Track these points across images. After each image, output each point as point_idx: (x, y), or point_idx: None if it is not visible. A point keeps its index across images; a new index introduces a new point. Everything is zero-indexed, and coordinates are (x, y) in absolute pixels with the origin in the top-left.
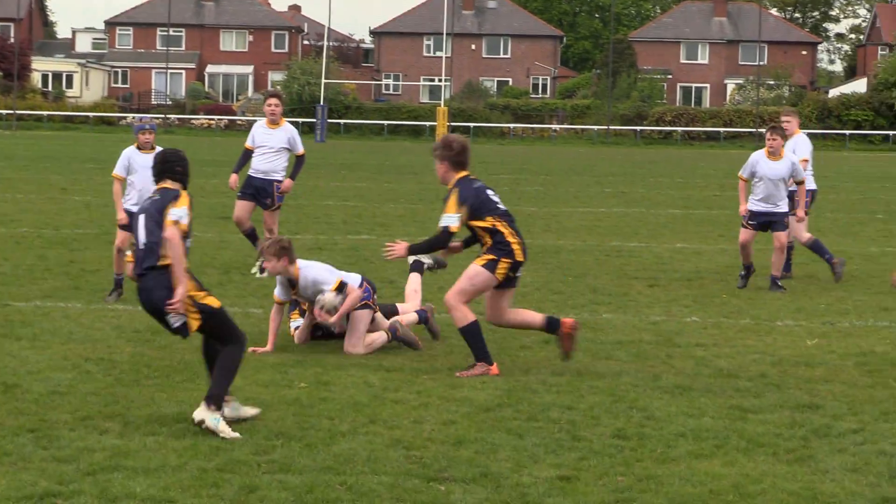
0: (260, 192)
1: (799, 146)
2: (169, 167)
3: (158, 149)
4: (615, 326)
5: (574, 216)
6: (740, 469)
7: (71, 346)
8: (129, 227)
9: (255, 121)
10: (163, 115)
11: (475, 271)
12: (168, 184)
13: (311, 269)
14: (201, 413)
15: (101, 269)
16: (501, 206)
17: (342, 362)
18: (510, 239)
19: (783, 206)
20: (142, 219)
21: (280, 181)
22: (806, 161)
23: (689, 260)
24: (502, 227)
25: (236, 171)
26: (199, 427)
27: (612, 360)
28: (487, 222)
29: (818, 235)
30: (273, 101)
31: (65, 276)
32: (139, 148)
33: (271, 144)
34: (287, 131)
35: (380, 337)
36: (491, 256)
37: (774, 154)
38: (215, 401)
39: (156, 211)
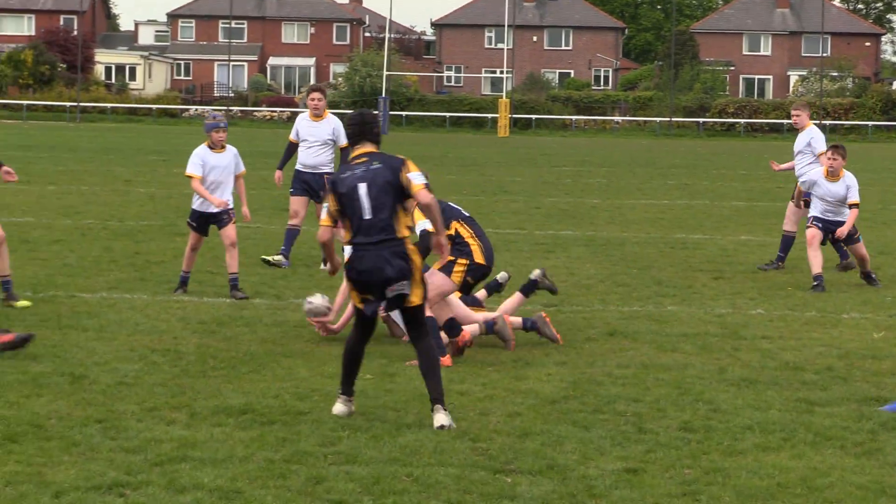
0: (311, 185)
1: (814, 140)
2: (368, 129)
3: (231, 149)
4: (680, 319)
5: (637, 208)
6: (808, 462)
7: (137, 337)
8: (198, 228)
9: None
10: (225, 108)
11: (430, 272)
12: (368, 147)
13: None
14: (442, 419)
15: (166, 260)
16: (465, 213)
17: (407, 354)
18: (470, 241)
19: (844, 217)
20: (364, 189)
21: (330, 173)
22: (823, 154)
23: (753, 252)
24: (463, 230)
25: (281, 167)
26: (442, 430)
27: (678, 352)
28: (451, 228)
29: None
30: (316, 94)
31: (130, 267)
32: (210, 147)
33: (316, 137)
34: (331, 123)
35: (471, 327)
36: (448, 258)
37: (834, 175)
38: (443, 400)
39: (385, 181)
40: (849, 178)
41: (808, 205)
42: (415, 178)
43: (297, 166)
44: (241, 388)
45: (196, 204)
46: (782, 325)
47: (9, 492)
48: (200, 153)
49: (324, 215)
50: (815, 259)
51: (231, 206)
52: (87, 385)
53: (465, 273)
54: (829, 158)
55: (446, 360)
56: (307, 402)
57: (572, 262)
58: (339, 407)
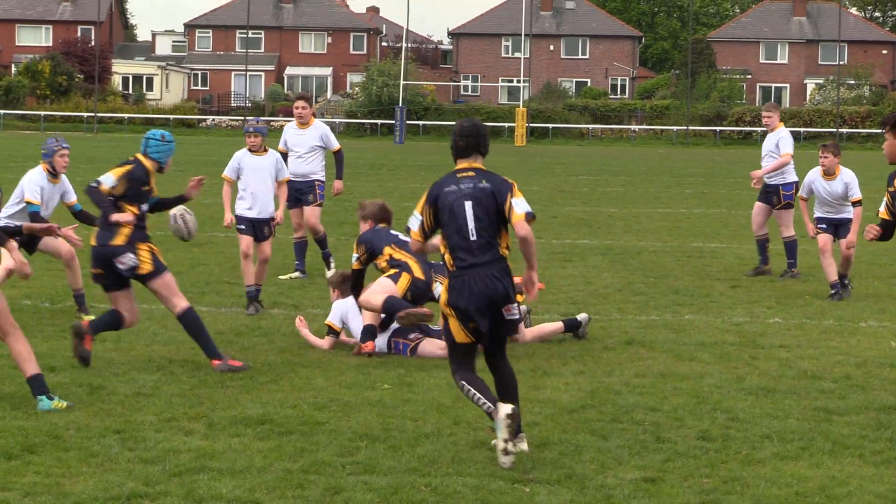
0: (301, 193)
1: (782, 141)
2: (482, 142)
3: (272, 154)
4: (698, 328)
5: (655, 217)
6: (826, 471)
7: (155, 347)
8: (247, 231)
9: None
10: (242, 118)
11: (377, 281)
12: (477, 162)
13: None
14: (522, 445)
15: (183, 270)
16: (401, 237)
17: (425, 364)
18: (407, 259)
19: (848, 213)
20: (471, 207)
21: (322, 180)
22: (789, 155)
23: (771, 261)
24: (396, 253)
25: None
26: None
27: (696, 361)
28: (385, 254)
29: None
30: (300, 102)
31: None
32: (251, 150)
33: (304, 145)
34: (318, 129)
35: (551, 325)
36: (394, 270)
37: (829, 173)
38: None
39: (492, 202)
40: (846, 175)
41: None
42: (518, 205)
43: (289, 176)
44: (259, 399)
45: (241, 209)
46: (800, 333)
47: (27, 502)
48: (238, 155)
49: (416, 227)
50: (830, 267)
51: (273, 217)
52: (105, 395)
53: (408, 288)
54: (820, 157)
55: (369, 346)
56: (325, 412)
57: (589, 270)
58: (501, 408)
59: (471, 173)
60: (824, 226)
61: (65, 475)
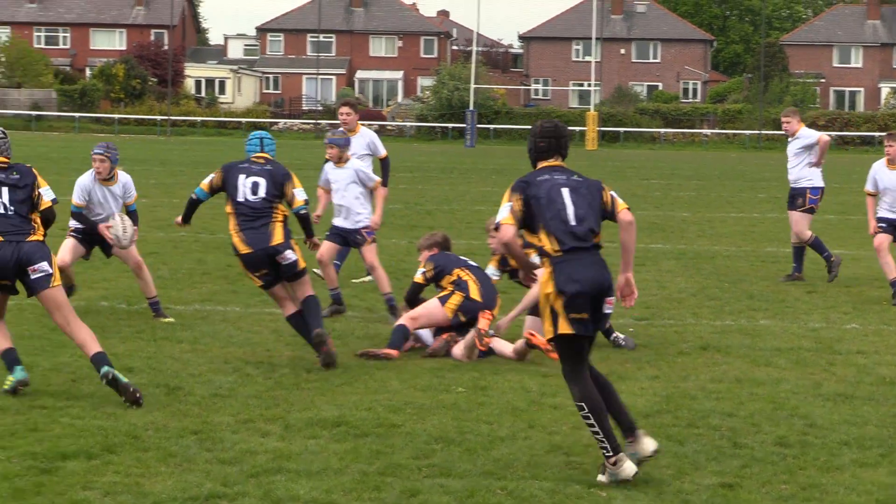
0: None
1: (805, 136)
2: (564, 143)
3: (352, 163)
4: (773, 333)
5: (728, 221)
6: None
7: (231, 349)
8: (332, 239)
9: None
10: (314, 121)
11: (428, 302)
12: (558, 161)
13: None
14: (650, 443)
15: None
16: (471, 262)
17: (498, 367)
18: (467, 279)
19: None
20: (568, 193)
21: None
22: (823, 135)
23: (847, 266)
24: (463, 274)
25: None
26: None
27: (772, 367)
28: (453, 275)
29: None
30: (344, 108)
31: (223, 279)
32: (332, 161)
33: (352, 151)
34: (365, 136)
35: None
36: (449, 289)
37: (894, 162)
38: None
39: (588, 194)
40: None
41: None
42: (616, 196)
43: (379, 180)
44: (335, 401)
45: (333, 219)
46: (877, 339)
47: (108, 502)
48: (325, 167)
49: (506, 214)
50: (888, 266)
51: (364, 225)
52: (183, 396)
53: (458, 308)
54: (886, 146)
55: (394, 352)
56: (400, 414)
57: (663, 275)
58: (627, 467)
59: (559, 167)
60: (884, 225)
61: (144, 475)
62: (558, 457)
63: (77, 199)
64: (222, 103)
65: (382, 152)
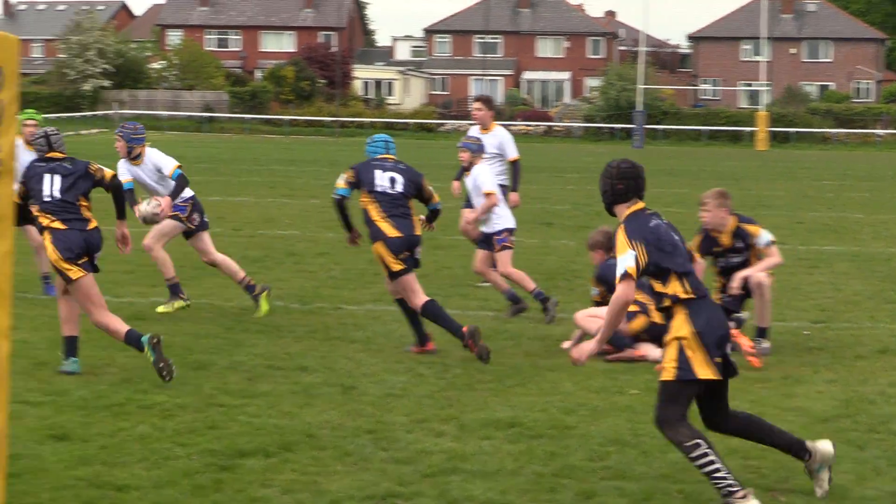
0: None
1: None
2: (643, 184)
3: (476, 170)
4: None
5: None
6: None
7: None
8: (481, 245)
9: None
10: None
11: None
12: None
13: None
14: (827, 446)
15: (429, 273)
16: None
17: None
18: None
19: None
20: (678, 238)
21: (503, 185)
22: None
23: None
24: (639, 295)
25: (458, 178)
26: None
27: None
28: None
29: None
30: (477, 104)
31: None
32: (464, 165)
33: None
34: (497, 136)
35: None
36: (633, 308)
37: None
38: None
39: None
40: None
41: None
42: None
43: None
44: (508, 402)
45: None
46: None
47: (287, 499)
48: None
49: (632, 263)
50: None
51: (492, 230)
52: (357, 396)
53: (643, 330)
54: None
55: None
56: (574, 416)
57: (837, 277)
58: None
59: (649, 210)
60: None
61: (321, 473)
62: (736, 460)
63: (120, 175)
64: (390, 104)
65: (512, 155)
